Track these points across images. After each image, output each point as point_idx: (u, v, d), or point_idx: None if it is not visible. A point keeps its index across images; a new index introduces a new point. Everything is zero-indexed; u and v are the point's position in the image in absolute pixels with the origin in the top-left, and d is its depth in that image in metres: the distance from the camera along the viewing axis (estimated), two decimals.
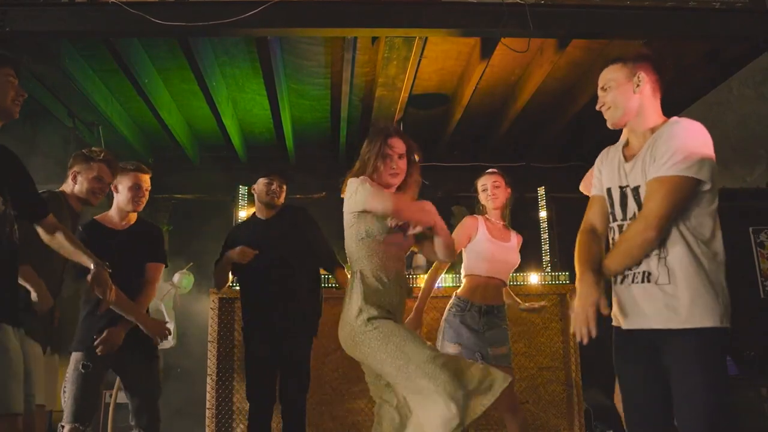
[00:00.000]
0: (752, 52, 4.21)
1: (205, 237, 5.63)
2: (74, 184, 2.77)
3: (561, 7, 3.85)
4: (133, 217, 3.12)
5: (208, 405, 3.81)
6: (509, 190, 3.37)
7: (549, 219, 4.79)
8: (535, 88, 4.61)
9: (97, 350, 2.81)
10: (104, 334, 2.82)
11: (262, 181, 3.53)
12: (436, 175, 6.00)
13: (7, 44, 3.83)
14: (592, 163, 6.36)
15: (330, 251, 3.53)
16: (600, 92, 2.13)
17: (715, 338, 1.84)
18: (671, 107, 4.90)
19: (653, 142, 1.97)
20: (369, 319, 2.21)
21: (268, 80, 4.57)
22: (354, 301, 2.27)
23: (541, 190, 4.97)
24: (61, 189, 2.79)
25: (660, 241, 1.91)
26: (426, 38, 3.96)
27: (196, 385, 4.26)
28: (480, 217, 3.33)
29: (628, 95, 2.04)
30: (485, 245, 3.21)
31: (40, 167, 5.36)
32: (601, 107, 2.12)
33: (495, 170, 3.39)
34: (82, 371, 2.82)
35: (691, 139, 1.91)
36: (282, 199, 3.54)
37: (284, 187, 3.55)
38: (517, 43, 4.01)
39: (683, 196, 1.88)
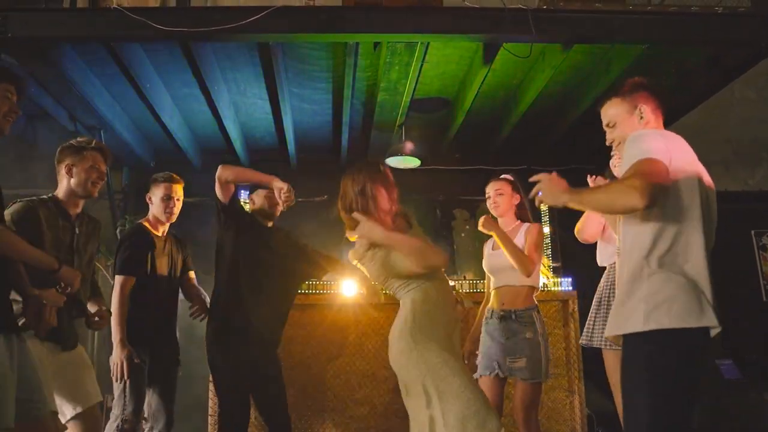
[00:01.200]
0: (754, 57, 4.21)
1: (206, 241, 5.62)
2: (69, 178, 2.60)
3: (563, 12, 3.85)
4: (166, 227, 3.32)
5: (210, 412, 3.79)
6: (518, 195, 3.32)
7: (551, 224, 4.77)
8: (537, 93, 4.61)
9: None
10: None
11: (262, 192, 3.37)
12: (438, 179, 6.04)
13: (9, 49, 3.85)
14: (593, 166, 6.34)
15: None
16: (606, 128, 2.17)
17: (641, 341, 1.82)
18: (672, 113, 4.93)
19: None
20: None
21: (270, 85, 4.58)
22: None
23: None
24: (53, 194, 2.64)
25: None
26: (428, 43, 3.96)
27: (197, 389, 4.25)
28: (489, 241, 3.36)
29: (634, 128, 2.07)
30: (487, 260, 3.29)
31: (41, 170, 5.38)
32: (611, 143, 2.16)
33: (502, 177, 3.36)
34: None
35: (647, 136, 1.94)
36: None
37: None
38: (519, 47, 4.01)
39: (660, 173, 1.83)
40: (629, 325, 1.84)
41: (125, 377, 2.94)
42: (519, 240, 3.18)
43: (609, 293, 2.97)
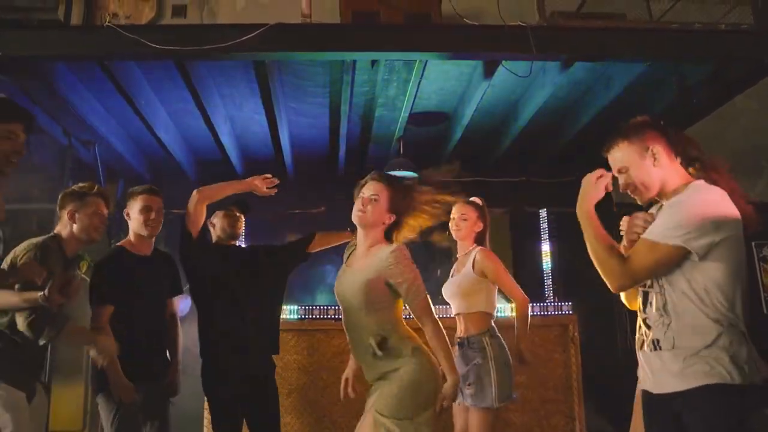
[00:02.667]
0: (756, 72, 4.15)
1: None
2: (72, 224, 2.66)
3: (563, 30, 3.80)
4: (151, 244, 3.05)
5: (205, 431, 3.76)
6: (481, 224, 3.24)
7: (551, 240, 4.72)
8: (536, 108, 4.55)
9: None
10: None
11: (220, 213, 3.28)
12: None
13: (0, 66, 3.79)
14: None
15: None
16: (618, 174, 2.05)
17: (718, 395, 1.79)
18: (674, 126, 4.85)
19: (666, 208, 1.94)
20: None
21: (267, 99, 4.52)
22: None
23: (543, 213, 4.89)
24: (55, 232, 2.69)
25: (663, 309, 1.91)
26: (426, 60, 3.90)
27: (191, 406, 4.20)
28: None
29: (649, 171, 1.97)
30: (444, 289, 3.23)
31: (35, 185, 5.34)
32: (626, 190, 2.03)
33: (470, 201, 3.27)
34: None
35: (694, 208, 1.86)
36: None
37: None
38: (519, 65, 3.95)
39: (665, 262, 1.88)
40: (710, 378, 1.80)
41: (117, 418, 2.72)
42: (468, 264, 3.12)
43: None
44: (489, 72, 4.00)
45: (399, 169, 5.00)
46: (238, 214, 3.28)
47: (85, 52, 3.73)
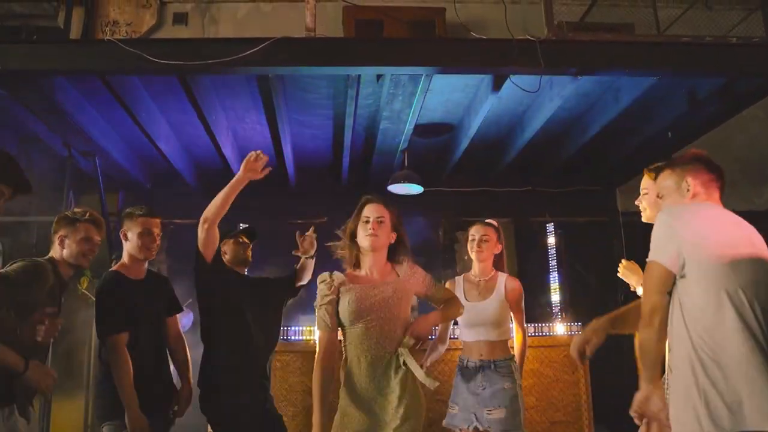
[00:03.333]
0: (766, 86, 4.09)
1: None
2: (62, 249, 2.60)
3: (572, 43, 3.74)
4: (145, 267, 2.97)
5: None
6: (500, 246, 3.20)
7: (557, 249, 4.64)
8: (544, 119, 4.49)
9: None
10: None
11: (230, 240, 3.16)
12: (440, 201, 5.91)
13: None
14: (599, 187, 6.19)
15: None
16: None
17: None
18: (682, 138, 4.79)
19: None
20: None
21: (270, 111, 4.45)
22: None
23: (550, 227, 4.82)
24: (50, 255, 2.62)
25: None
26: (431, 78, 3.83)
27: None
28: (459, 279, 3.22)
29: (677, 202, 2.00)
30: (467, 312, 3.03)
31: (35, 197, 5.24)
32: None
33: (488, 222, 3.22)
34: None
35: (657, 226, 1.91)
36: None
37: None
38: (527, 79, 3.89)
39: (657, 282, 1.86)
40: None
41: None
42: (499, 291, 3.08)
43: None
44: (497, 85, 3.93)
45: (404, 182, 4.94)
46: (247, 242, 3.21)
47: (86, 66, 3.67)
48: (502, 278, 3.11)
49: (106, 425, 2.69)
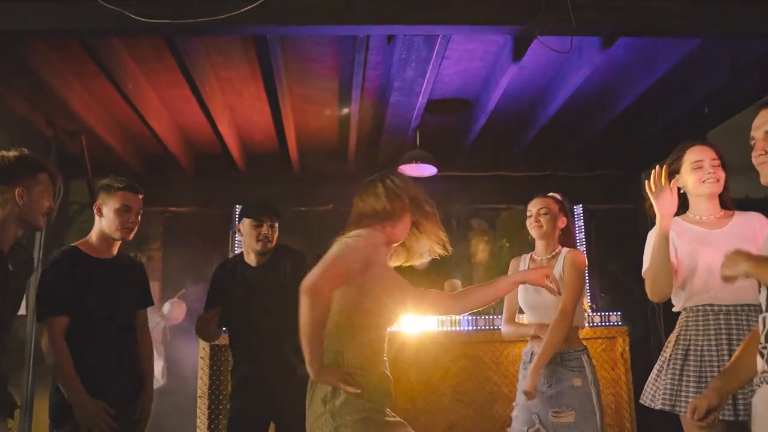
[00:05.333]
0: None
1: (202, 255, 5.15)
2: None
3: (607, 0, 3.33)
4: (116, 247, 2.61)
5: None
6: (565, 220, 2.80)
7: (587, 241, 4.24)
8: (569, 92, 4.08)
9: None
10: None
11: (248, 222, 2.92)
12: (454, 186, 5.52)
13: None
14: (625, 173, 5.77)
15: None
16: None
17: None
18: (724, 110, 4.37)
19: None
20: None
21: (269, 84, 4.07)
22: None
23: (578, 209, 4.40)
24: None
25: None
26: (450, 36, 3.43)
27: None
28: (522, 258, 2.85)
29: None
30: (522, 294, 2.74)
31: None
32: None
33: (550, 195, 2.85)
34: None
35: None
36: (274, 242, 2.96)
37: (276, 226, 2.97)
38: (555, 41, 3.48)
39: None
40: None
41: None
42: (559, 266, 2.68)
43: (702, 344, 2.20)
44: (519, 52, 3.53)
45: (416, 162, 4.56)
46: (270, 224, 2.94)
47: (62, 27, 3.27)
48: (563, 252, 2.72)
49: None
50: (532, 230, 2.78)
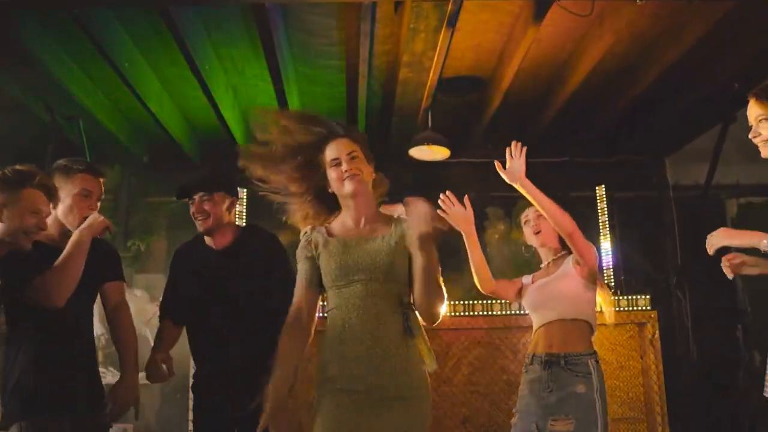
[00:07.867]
0: None
1: None
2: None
3: None
4: (68, 234, 2.26)
5: None
6: None
7: (611, 228, 4.00)
8: (590, 67, 3.85)
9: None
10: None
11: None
12: (468, 172, 5.30)
13: None
14: (647, 157, 5.48)
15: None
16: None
17: None
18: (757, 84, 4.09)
19: None
20: None
21: (272, 62, 3.88)
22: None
23: (600, 190, 4.15)
24: None
25: None
26: (461, 3, 3.21)
27: None
28: (528, 277, 2.65)
29: None
30: (528, 295, 2.55)
31: None
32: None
33: None
34: None
35: None
36: (226, 218, 2.56)
37: (217, 199, 2.52)
38: (577, 4, 3.26)
39: None
40: None
41: None
42: (566, 268, 2.48)
43: None
44: (538, 15, 3.29)
45: (427, 143, 4.36)
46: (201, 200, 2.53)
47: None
48: (568, 257, 2.51)
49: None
50: (531, 239, 2.59)
